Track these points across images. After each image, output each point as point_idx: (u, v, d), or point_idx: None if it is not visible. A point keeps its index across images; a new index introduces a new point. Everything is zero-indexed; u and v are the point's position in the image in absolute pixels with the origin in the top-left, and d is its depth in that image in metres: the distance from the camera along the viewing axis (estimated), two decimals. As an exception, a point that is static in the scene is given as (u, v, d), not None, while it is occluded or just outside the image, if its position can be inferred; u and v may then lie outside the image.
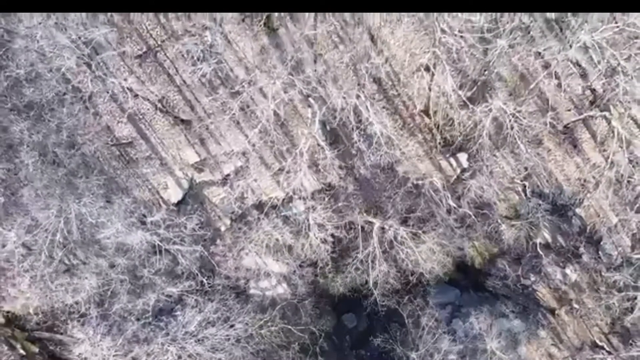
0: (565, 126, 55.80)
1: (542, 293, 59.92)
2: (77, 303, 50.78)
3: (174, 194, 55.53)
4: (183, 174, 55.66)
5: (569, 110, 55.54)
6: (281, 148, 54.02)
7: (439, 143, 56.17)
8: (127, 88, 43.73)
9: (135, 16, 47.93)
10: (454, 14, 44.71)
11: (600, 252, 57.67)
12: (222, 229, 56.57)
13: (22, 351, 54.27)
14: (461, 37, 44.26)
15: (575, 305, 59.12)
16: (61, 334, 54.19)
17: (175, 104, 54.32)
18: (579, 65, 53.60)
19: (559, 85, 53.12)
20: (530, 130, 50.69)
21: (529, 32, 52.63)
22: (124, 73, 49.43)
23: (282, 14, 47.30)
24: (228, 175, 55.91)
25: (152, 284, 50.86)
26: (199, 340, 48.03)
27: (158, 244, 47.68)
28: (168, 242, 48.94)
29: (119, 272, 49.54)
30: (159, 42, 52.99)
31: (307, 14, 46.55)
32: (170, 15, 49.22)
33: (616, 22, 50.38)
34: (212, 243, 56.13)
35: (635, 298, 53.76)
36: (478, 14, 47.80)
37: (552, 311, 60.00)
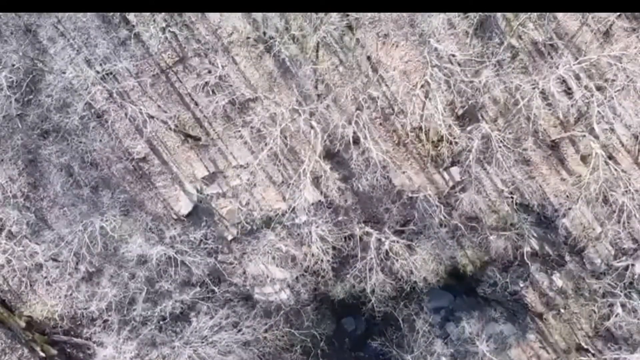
0: (552, 141, 59.02)
1: (530, 298, 62.87)
2: (99, 310, 54.59)
3: (185, 206, 59.07)
4: (193, 187, 59.21)
5: (555, 126, 58.78)
6: (286, 167, 57.75)
7: (432, 158, 59.49)
8: (146, 113, 47.44)
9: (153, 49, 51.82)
10: (445, 44, 48.41)
11: (584, 260, 60.62)
12: (229, 238, 60.01)
13: (42, 354, 57.70)
14: (453, 65, 47.93)
15: (562, 310, 61.96)
16: (79, 337, 57.79)
17: (185, 122, 58.06)
18: (564, 83, 56.69)
19: (547, 105, 55.99)
20: (513, 155, 54.05)
21: (515, 57, 56.12)
22: (142, 98, 53.13)
23: (285, 42, 51.10)
24: (235, 188, 59.47)
25: (167, 293, 54.66)
26: (210, 343, 51.60)
27: (174, 257, 51.30)
28: (183, 254, 52.68)
29: (138, 282, 53.28)
30: (170, 65, 56.94)
31: (310, 43, 50.15)
32: (189, 53, 53.03)
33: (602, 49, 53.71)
34: (220, 252, 59.68)
35: (614, 304, 57.01)
36: (470, 45, 51.51)
37: (539, 315, 63.02)
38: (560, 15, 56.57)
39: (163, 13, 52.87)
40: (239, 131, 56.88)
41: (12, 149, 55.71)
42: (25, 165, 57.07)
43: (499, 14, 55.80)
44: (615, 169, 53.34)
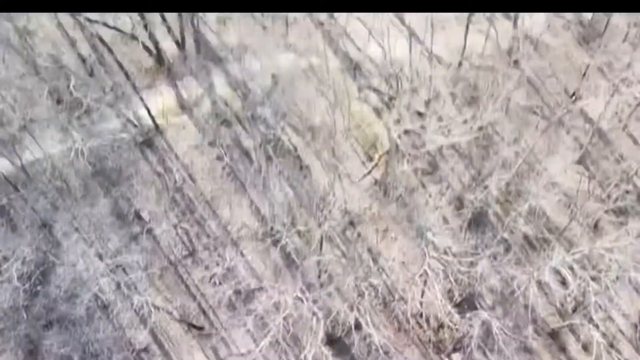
0: (551, 329, 59.37)
1: None
2: None
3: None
4: (194, 378, 58.31)
5: (554, 315, 59.49)
6: (287, 353, 57.52)
7: (434, 344, 59.51)
8: (152, 304, 48.45)
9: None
10: (441, 238, 51.00)
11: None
12: None
13: None
14: (449, 256, 50.08)
15: None
16: None
17: (190, 312, 58.75)
18: (559, 273, 58.18)
19: (544, 294, 57.19)
20: (514, 342, 54.52)
21: (508, 250, 58.39)
22: (149, 289, 54.42)
23: (291, 236, 54.00)
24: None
25: None
26: None
27: None
28: None
29: None
30: (180, 258, 58.99)
31: (315, 237, 52.74)
32: (197, 247, 55.41)
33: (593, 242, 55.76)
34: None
35: None
36: (465, 238, 53.95)
37: None
38: (549, 211, 60.06)
39: (175, 214, 55.57)
40: (243, 319, 57.33)
41: (15, 339, 55.66)
42: (25, 355, 56.60)
43: (490, 211, 59.43)
44: (618, 358, 53.40)
